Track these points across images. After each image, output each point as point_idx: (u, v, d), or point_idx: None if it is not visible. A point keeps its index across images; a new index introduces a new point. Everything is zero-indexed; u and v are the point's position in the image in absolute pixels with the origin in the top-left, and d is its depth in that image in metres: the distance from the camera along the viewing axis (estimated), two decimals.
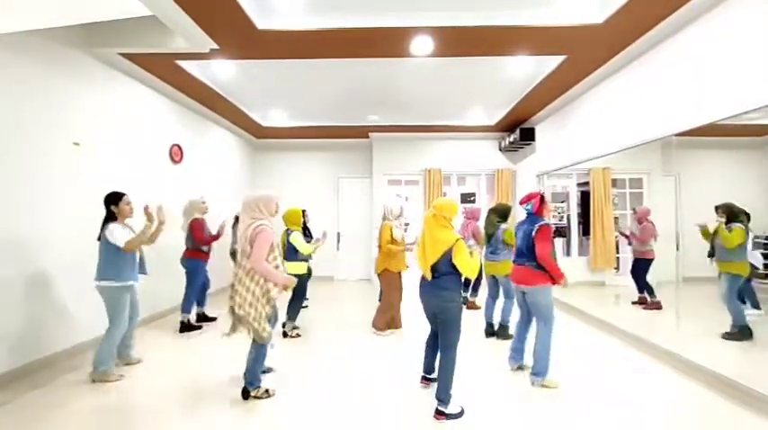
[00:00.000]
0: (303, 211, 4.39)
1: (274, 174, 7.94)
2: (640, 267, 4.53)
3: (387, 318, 4.21)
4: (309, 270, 4.30)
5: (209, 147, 6.15)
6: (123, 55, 3.88)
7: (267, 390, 2.71)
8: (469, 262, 2.45)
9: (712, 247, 3.44)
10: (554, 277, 2.86)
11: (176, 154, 5.15)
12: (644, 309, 4.44)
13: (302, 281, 4.03)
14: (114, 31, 3.60)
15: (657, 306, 4.27)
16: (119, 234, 2.93)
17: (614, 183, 5.21)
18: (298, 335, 4.07)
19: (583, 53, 3.90)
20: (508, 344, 3.33)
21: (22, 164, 3.07)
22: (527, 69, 4.46)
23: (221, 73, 4.56)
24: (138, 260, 3.16)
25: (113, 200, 3.03)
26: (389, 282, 4.15)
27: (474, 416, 2.45)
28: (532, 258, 2.88)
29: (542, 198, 2.99)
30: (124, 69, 4.15)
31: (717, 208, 3.35)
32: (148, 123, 4.64)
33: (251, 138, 7.64)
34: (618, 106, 4.23)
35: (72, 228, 3.45)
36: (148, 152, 4.63)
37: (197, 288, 4.37)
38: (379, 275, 4.19)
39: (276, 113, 6.29)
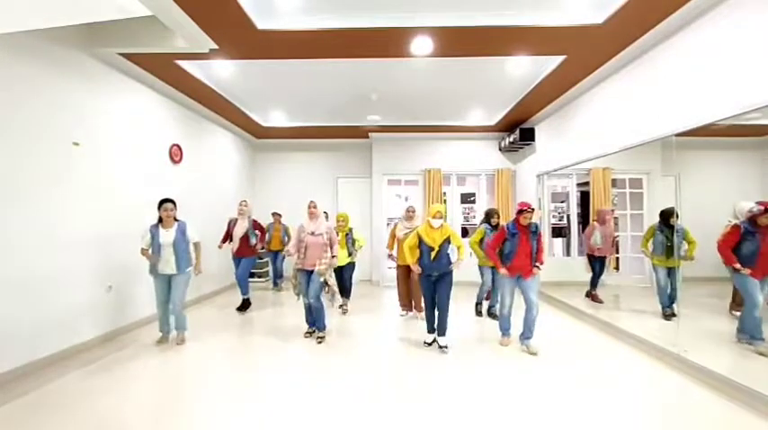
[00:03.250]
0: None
1: (274, 174, 7.94)
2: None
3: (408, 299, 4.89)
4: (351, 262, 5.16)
5: (209, 148, 6.14)
6: (123, 55, 3.88)
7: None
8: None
9: (670, 247, 3.74)
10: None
11: (176, 154, 5.15)
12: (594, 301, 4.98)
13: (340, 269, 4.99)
14: (114, 31, 3.60)
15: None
16: (147, 238, 3.64)
17: (614, 183, 5.20)
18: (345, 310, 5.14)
19: (583, 53, 3.90)
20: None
21: (21, 163, 3.06)
22: (527, 69, 4.46)
23: (221, 73, 4.56)
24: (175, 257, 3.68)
25: (158, 204, 3.68)
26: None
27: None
28: None
29: (519, 211, 3.58)
30: (124, 69, 4.15)
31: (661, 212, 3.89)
32: (148, 123, 4.63)
33: (251, 139, 7.63)
34: (618, 106, 4.23)
35: (71, 228, 3.45)
36: (148, 152, 4.63)
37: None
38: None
39: (276, 113, 6.28)
